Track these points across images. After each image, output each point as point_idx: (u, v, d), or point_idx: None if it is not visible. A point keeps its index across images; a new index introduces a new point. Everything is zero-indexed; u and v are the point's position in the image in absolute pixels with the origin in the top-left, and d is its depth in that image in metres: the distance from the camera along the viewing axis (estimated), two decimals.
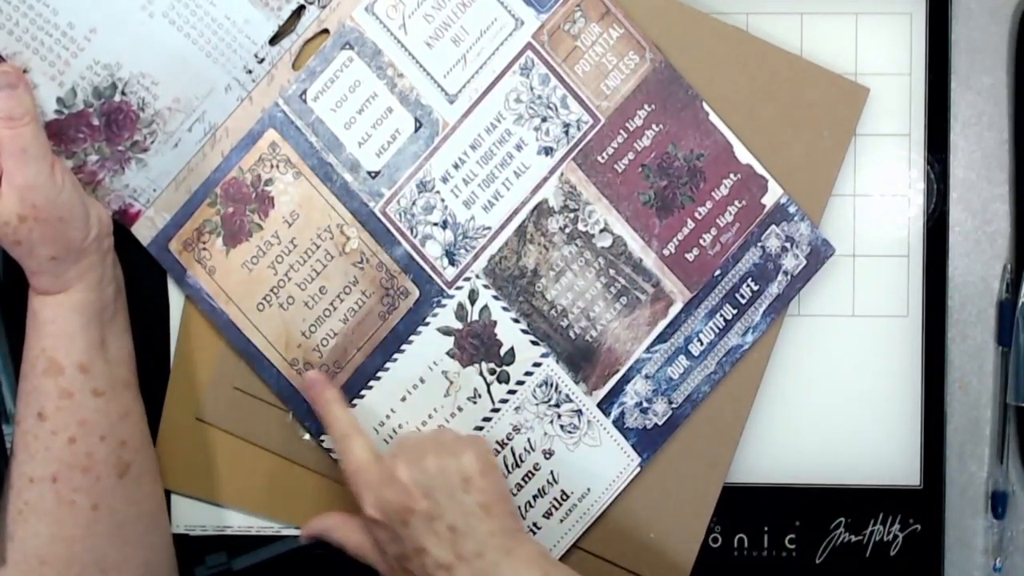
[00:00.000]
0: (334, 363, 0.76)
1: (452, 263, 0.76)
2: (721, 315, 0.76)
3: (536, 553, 0.68)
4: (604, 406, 0.76)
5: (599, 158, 0.75)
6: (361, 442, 0.71)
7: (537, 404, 0.76)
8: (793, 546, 0.79)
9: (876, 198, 0.78)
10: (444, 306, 0.76)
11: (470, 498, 0.68)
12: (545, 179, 0.76)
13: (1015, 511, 0.79)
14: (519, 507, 0.77)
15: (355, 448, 0.70)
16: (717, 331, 0.76)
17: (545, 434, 0.76)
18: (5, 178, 0.66)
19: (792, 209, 0.76)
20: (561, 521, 0.77)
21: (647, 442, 0.76)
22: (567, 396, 0.76)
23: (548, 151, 0.75)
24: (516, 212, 0.76)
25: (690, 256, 0.76)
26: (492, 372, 0.76)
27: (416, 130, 0.75)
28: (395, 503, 0.67)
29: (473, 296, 0.76)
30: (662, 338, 0.76)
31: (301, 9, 0.74)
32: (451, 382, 0.76)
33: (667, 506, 0.77)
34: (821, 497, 0.78)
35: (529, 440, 0.76)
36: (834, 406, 0.78)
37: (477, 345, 0.76)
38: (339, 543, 0.73)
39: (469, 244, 0.76)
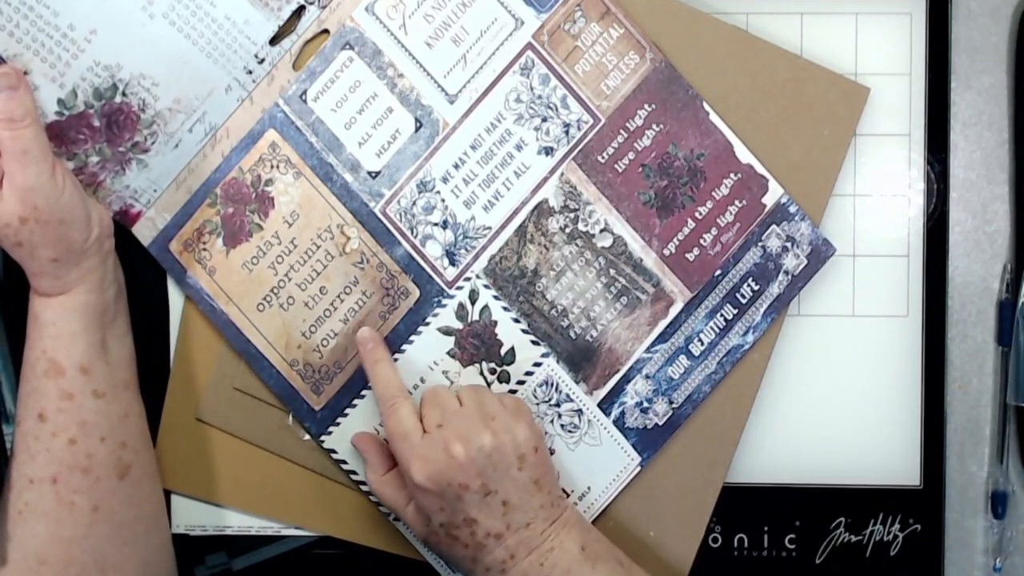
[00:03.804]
0: (334, 363, 0.76)
1: (452, 263, 0.76)
2: (722, 315, 0.76)
3: (575, 520, 0.72)
4: (604, 406, 0.76)
5: (599, 158, 0.75)
6: (408, 407, 0.71)
7: (538, 404, 0.76)
8: (793, 546, 0.79)
9: (876, 198, 0.78)
10: (444, 306, 0.76)
11: (524, 474, 0.69)
12: (545, 179, 0.76)
13: (1015, 511, 0.79)
14: None
15: (401, 412, 0.71)
16: (718, 331, 0.76)
17: (546, 433, 0.76)
18: (6, 180, 0.66)
19: (792, 209, 0.76)
20: None
21: (647, 442, 0.77)
22: (567, 396, 0.76)
23: (548, 151, 0.75)
24: (516, 212, 0.76)
25: (691, 256, 0.76)
26: (493, 372, 0.76)
27: (416, 130, 0.75)
28: (451, 479, 0.68)
29: (474, 296, 0.76)
30: (662, 338, 0.76)
31: (301, 9, 0.74)
32: (452, 382, 0.76)
33: (667, 506, 0.77)
34: (821, 497, 0.79)
35: None
36: (834, 406, 0.78)
37: (478, 345, 0.76)
38: (371, 486, 0.74)
39: (469, 244, 0.76)
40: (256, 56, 0.74)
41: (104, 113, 0.72)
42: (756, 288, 0.76)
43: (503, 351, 0.76)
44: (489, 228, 0.76)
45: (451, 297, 0.76)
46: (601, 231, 0.76)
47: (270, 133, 0.75)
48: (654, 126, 0.75)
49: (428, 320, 0.76)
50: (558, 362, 0.76)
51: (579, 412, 0.76)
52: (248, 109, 0.75)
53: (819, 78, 0.76)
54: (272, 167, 0.75)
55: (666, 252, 0.76)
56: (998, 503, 0.79)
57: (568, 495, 0.77)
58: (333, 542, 0.79)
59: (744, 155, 0.76)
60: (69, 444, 0.69)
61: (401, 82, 0.75)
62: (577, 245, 0.76)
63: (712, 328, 0.76)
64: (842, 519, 0.79)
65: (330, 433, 0.76)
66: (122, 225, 0.74)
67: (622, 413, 0.76)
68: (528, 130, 0.75)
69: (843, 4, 0.77)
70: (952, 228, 0.78)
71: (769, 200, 0.76)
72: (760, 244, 0.76)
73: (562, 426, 0.76)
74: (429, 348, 0.76)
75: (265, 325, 0.76)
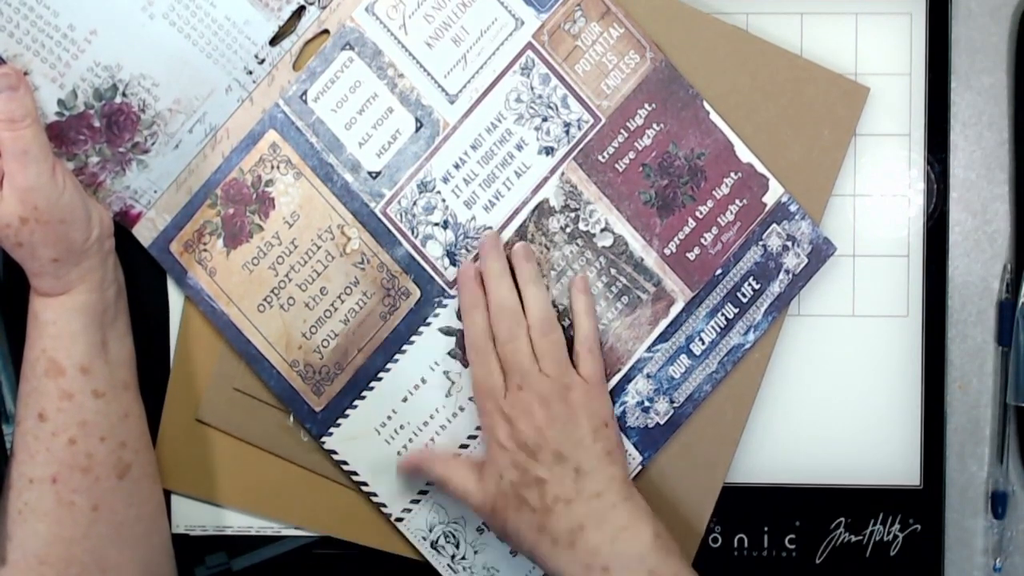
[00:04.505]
0: (335, 364, 0.75)
1: (453, 263, 0.75)
2: (722, 314, 0.76)
3: (646, 507, 0.71)
4: None
5: (600, 157, 0.75)
6: (496, 361, 0.73)
7: None
8: (793, 546, 0.79)
9: (876, 198, 0.78)
10: (445, 306, 0.76)
11: (598, 446, 0.71)
12: (546, 179, 0.76)
13: (1015, 511, 0.79)
14: None
15: (492, 365, 0.73)
16: (718, 330, 0.76)
17: None
18: (7, 180, 0.66)
19: (793, 208, 0.76)
20: None
21: (648, 441, 0.76)
22: None
23: (549, 151, 0.75)
24: (517, 212, 0.76)
25: (691, 255, 0.76)
26: None
27: (417, 130, 0.75)
28: (526, 441, 0.70)
29: None
30: (663, 337, 0.76)
31: (301, 10, 0.74)
32: (452, 382, 0.76)
33: (667, 505, 0.77)
34: (821, 497, 0.79)
35: None
36: (834, 406, 0.78)
37: None
38: (440, 480, 0.74)
39: (470, 244, 0.76)
40: (256, 56, 0.74)
41: (104, 113, 0.72)
42: (757, 287, 0.76)
43: None
44: (490, 228, 0.76)
45: (452, 297, 0.76)
46: (602, 231, 0.76)
47: (270, 134, 0.75)
48: (654, 126, 0.75)
49: (429, 320, 0.76)
50: None
51: None
52: (248, 109, 0.74)
53: (819, 78, 0.76)
54: (272, 168, 0.75)
55: (667, 251, 0.76)
56: (998, 503, 0.79)
57: None
58: (333, 542, 0.78)
59: (744, 154, 0.76)
60: (69, 444, 0.69)
61: (401, 82, 0.75)
62: (578, 245, 0.76)
63: (713, 327, 0.76)
64: (842, 519, 0.79)
65: (331, 434, 0.76)
66: (122, 225, 0.74)
67: (623, 412, 0.76)
68: (528, 130, 0.75)
69: (843, 4, 0.77)
70: (952, 228, 0.78)
71: (769, 199, 0.76)
72: (761, 243, 0.76)
73: None
74: (430, 348, 0.76)
75: (265, 326, 0.76)
